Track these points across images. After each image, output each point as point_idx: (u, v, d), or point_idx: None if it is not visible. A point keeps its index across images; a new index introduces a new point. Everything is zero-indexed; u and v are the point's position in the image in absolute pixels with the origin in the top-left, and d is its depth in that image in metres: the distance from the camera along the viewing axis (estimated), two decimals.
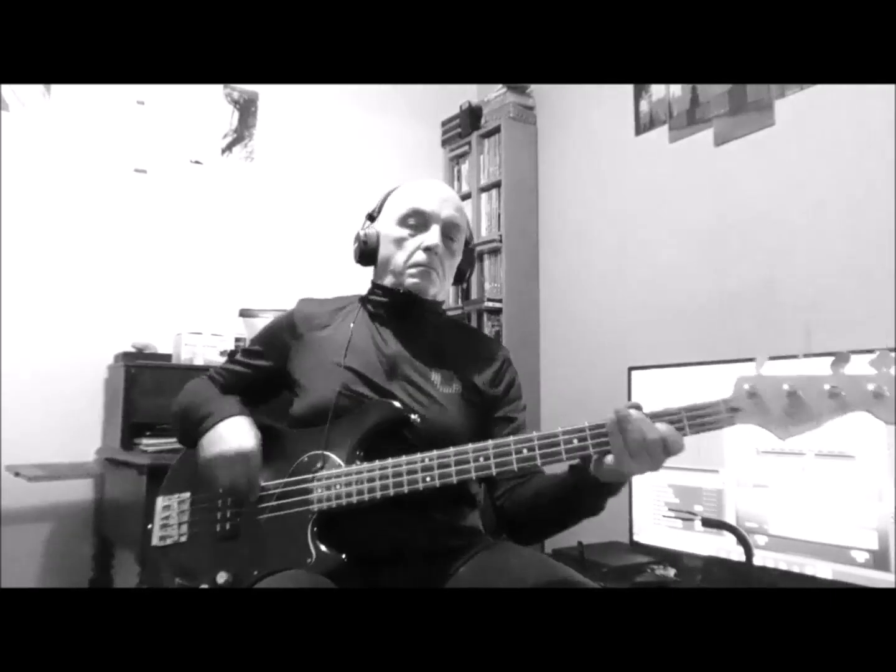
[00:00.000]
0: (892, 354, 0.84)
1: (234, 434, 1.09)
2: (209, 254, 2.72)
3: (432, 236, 1.18)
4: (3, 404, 2.28)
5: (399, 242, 1.20)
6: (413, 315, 1.22)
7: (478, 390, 1.18)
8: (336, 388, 1.12)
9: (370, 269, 1.28)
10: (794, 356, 0.89)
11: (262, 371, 1.26)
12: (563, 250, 2.91)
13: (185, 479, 1.16)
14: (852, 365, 0.85)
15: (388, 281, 1.22)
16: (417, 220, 1.20)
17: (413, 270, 1.19)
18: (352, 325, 1.20)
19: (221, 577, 1.06)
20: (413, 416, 1.09)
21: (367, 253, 1.24)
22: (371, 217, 1.28)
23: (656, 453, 0.90)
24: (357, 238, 1.25)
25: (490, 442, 0.99)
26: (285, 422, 1.19)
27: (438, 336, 1.23)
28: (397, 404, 1.10)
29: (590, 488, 0.99)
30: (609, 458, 0.94)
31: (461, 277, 1.31)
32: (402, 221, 1.21)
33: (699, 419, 0.92)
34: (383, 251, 1.23)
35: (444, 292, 1.26)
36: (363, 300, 1.27)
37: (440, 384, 1.16)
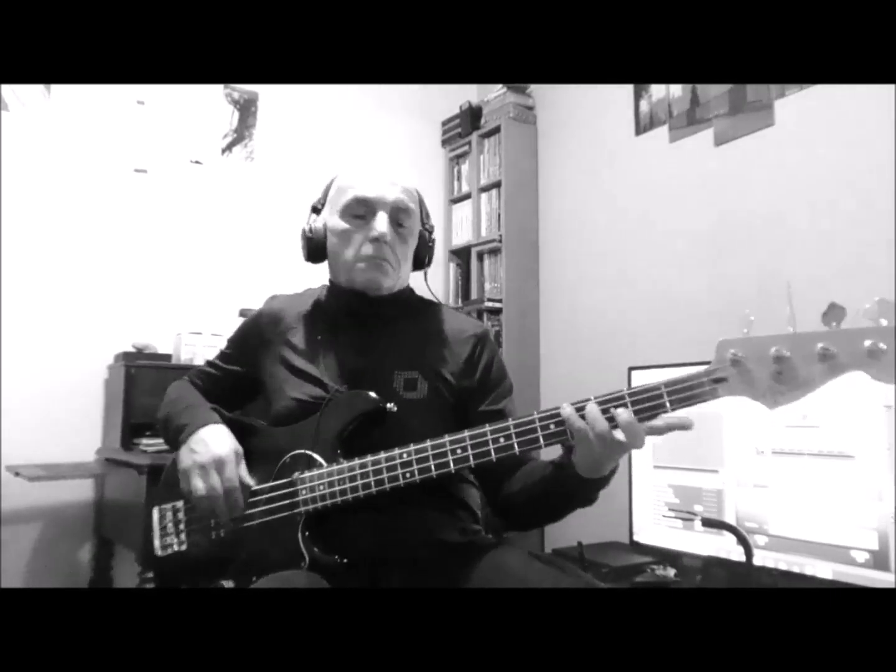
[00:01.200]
0: (892, 301, 0.73)
1: (209, 443, 1.08)
2: (209, 254, 2.72)
3: (380, 224, 1.11)
4: (3, 404, 2.28)
5: (345, 236, 1.14)
6: (371, 314, 1.17)
7: (449, 385, 1.14)
8: (301, 398, 1.12)
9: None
10: (783, 334, 0.82)
11: (237, 375, 1.26)
12: (563, 250, 2.91)
13: (177, 486, 1.15)
14: (847, 320, 0.76)
15: (342, 278, 1.17)
16: (362, 210, 1.13)
17: (363, 264, 1.13)
18: (316, 336, 1.17)
19: (223, 586, 1.07)
20: (389, 405, 1.07)
21: (313, 249, 1.19)
22: (316, 209, 1.22)
23: (611, 444, 0.88)
24: (302, 236, 1.20)
25: (466, 433, 0.97)
26: (268, 420, 1.19)
27: (402, 331, 1.18)
28: (373, 394, 1.07)
29: (573, 482, 0.97)
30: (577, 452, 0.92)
31: (420, 263, 1.24)
32: (346, 212, 1.14)
33: (680, 393, 0.87)
34: (330, 246, 1.18)
35: (402, 280, 1.20)
36: (319, 301, 1.23)
37: (403, 390, 1.11)
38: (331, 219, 1.17)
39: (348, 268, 1.15)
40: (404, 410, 1.09)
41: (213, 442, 1.08)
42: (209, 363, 1.31)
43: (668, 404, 0.88)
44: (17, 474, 2.09)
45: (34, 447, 2.29)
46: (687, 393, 0.87)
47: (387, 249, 1.13)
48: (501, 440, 0.95)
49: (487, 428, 0.96)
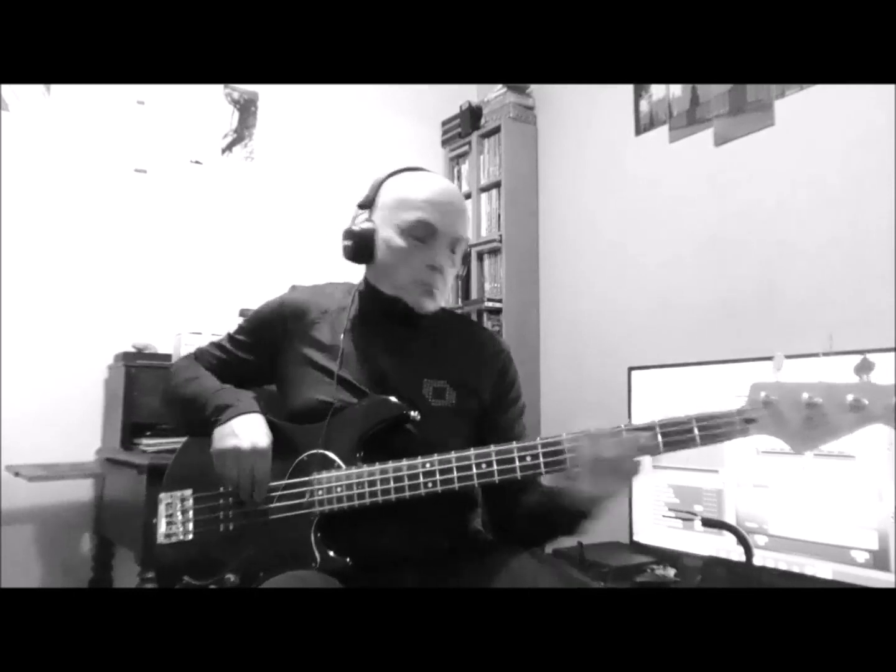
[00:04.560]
0: None
1: (251, 431, 1.07)
2: (209, 253, 2.72)
3: (442, 256, 1.11)
4: (3, 404, 2.28)
5: (401, 255, 1.11)
6: (406, 323, 1.17)
7: (476, 395, 1.15)
8: (323, 398, 1.10)
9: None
10: (806, 355, 0.84)
11: (247, 362, 1.22)
12: (563, 250, 2.91)
13: (185, 475, 1.15)
14: (876, 372, 0.80)
15: (387, 289, 1.15)
16: (424, 233, 1.11)
17: (417, 289, 1.12)
18: (342, 336, 1.16)
19: (229, 579, 1.06)
20: (413, 413, 1.07)
21: (359, 252, 1.15)
22: (364, 207, 1.18)
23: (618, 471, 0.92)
24: (350, 234, 1.15)
25: (493, 448, 0.98)
26: (283, 415, 1.18)
27: (432, 341, 1.18)
28: (395, 400, 1.08)
29: (564, 513, 1.00)
30: (569, 479, 0.95)
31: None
32: (407, 232, 1.11)
33: (711, 429, 0.89)
34: (381, 256, 1.14)
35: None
36: (354, 301, 1.21)
37: (431, 397, 1.12)
38: (385, 230, 1.14)
39: (399, 286, 1.13)
40: (432, 418, 1.09)
41: (257, 432, 1.07)
42: (217, 346, 1.26)
43: (697, 439, 0.89)
44: (17, 474, 2.09)
45: (34, 447, 2.29)
46: (718, 430, 0.89)
47: (440, 278, 1.13)
48: (528, 458, 0.96)
49: (515, 445, 0.97)
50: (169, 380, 1.24)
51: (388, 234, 1.13)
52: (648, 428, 0.92)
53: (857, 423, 0.81)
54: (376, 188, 1.18)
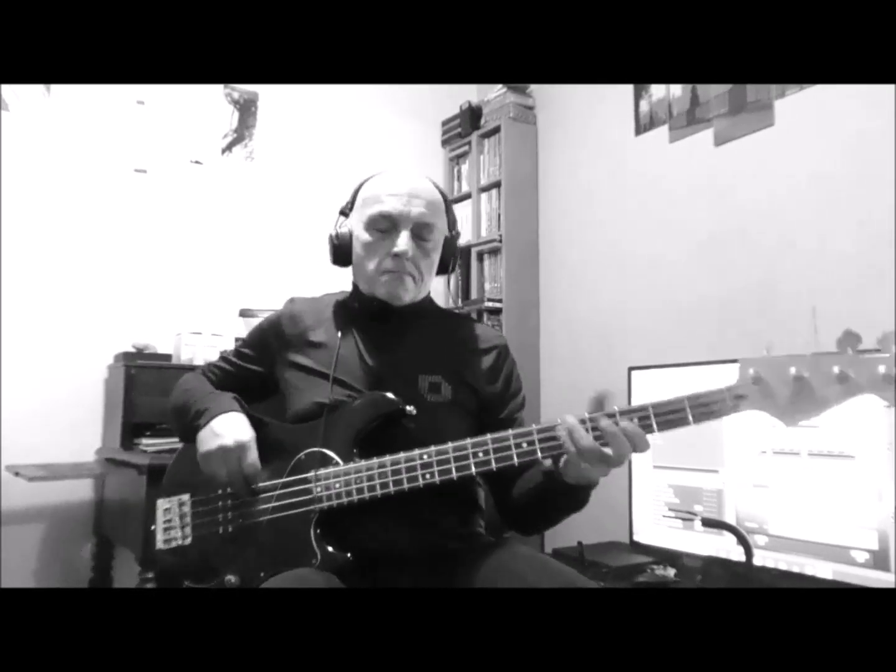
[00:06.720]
0: None
1: (230, 428, 1.09)
2: (209, 254, 2.72)
3: (401, 242, 1.13)
4: (3, 404, 2.28)
5: (368, 248, 1.16)
6: (394, 320, 1.20)
7: (472, 390, 1.17)
8: (321, 400, 1.12)
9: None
10: (802, 356, 0.86)
11: (253, 374, 1.26)
12: (563, 250, 2.91)
13: (183, 480, 1.16)
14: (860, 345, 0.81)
15: (363, 286, 1.20)
16: (385, 225, 1.15)
17: (384, 278, 1.15)
18: (339, 334, 1.19)
19: (229, 580, 1.06)
20: (409, 408, 1.08)
21: (339, 254, 1.22)
22: (344, 213, 1.24)
23: (622, 451, 0.92)
24: (330, 239, 1.22)
25: (489, 436, 0.99)
26: (282, 419, 1.19)
27: (425, 337, 1.20)
28: (391, 395, 1.09)
29: (562, 491, 1.01)
30: (565, 464, 0.96)
31: (445, 268, 1.25)
32: (370, 225, 1.16)
33: (703, 407, 0.90)
34: (355, 255, 1.20)
35: (425, 289, 1.22)
36: (343, 304, 1.25)
37: (427, 393, 1.13)
38: (357, 228, 1.19)
39: (370, 279, 1.18)
40: (429, 413, 1.10)
41: (238, 427, 1.10)
42: (223, 359, 1.31)
43: (690, 418, 0.90)
44: (17, 474, 2.09)
45: (34, 447, 2.29)
46: (709, 407, 0.90)
47: (408, 264, 1.15)
48: (524, 445, 0.97)
49: (510, 433, 0.98)
50: (170, 393, 1.28)
51: (358, 232, 1.19)
52: (642, 409, 0.93)
53: (843, 395, 0.82)
54: (354, 193, 1.23)
